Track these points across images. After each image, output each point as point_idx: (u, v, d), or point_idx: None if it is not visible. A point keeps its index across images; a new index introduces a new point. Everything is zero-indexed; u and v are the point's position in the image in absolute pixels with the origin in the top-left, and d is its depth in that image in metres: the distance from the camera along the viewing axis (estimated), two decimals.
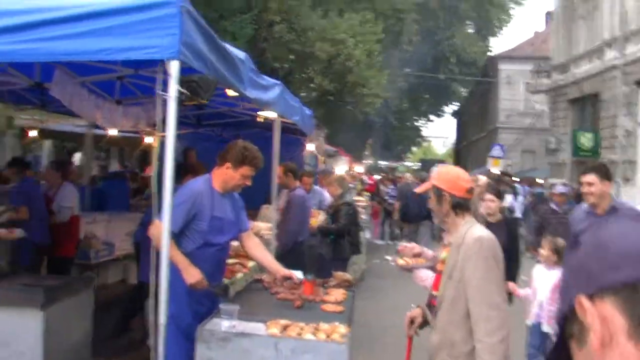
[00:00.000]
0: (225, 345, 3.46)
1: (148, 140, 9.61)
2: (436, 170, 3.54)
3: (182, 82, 3.60)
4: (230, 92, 5.25)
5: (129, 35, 3.39)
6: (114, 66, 5.38)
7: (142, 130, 7.31)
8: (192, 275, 4.01)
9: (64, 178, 7.95)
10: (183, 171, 6.01)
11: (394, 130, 46.26)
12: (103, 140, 12.79)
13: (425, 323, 3.60)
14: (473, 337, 3.09)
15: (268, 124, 7.30)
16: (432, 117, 52.46)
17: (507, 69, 38.45)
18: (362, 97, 21.74)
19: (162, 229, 3.63)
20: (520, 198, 18.98)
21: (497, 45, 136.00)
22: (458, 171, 3.53)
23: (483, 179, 10.27)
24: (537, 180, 25.21)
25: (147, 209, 5.71)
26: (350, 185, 13.41)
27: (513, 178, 23.50)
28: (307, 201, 8.15)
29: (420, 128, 54.91)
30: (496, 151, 23.86)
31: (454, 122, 62.65)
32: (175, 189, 3.72)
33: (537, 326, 5.76)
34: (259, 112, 6.84)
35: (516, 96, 38.20)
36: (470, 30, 41.49)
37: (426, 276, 3.87)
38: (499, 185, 13.69)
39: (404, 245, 4.21)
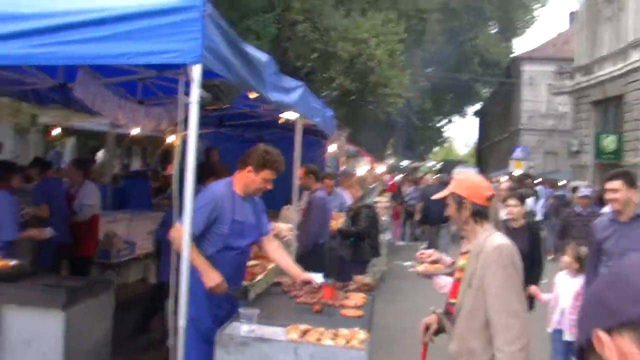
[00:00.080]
0: (244, 349, 3.46)
1: (170, 139, 9.65)
2: (455, 178, 3.52)
3: (204, 86, 3.61)
4: (252, 94, 5.26)
5: (150, 39, 3.40)
6: (136, 68, 5.40)
7: (164, 130, 7.34)
8: (212, 278, 4.02)
9: (86, 176, 8.03)
10: (205, 173, 6.02)
11: (416, 130, 46.02)
12: (125, 139, 12.89)
13: (440, 330, 3.59)
14: (492, 345, 3.07)
15: (290, 125, 7.29)
16: (454, 117, 52.25)
17: (529, 70, 38.00)
18: (384, 97, 21.60)
19: (182, 232, 3.64)
20: (541, 201, 18.78)
21: (520, 45, 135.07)
22: (478, 178, 3.52)
23: (505, 182, 10.21)
24: (559, 182, 24.99)
25: (168, 208, 5.73)
26: (372, 185, 13.35)
27: (535, 181, 23.29)
28: (328, 203, 8.12)
29: (443, 129, 54.70)
30: (518, 153, 23.71)
31: (476, 122, 62.37)
32: (197, 190, 3.73)
33: (557, 333, 5.70)
34: (280, 114, 6.83)
35: (538, 97, 37.70)
36: (494, 31, 41.15)
37: (445, 283, 3.85)
38: (520, 187, 13.62)
39: (422, 251, 4.20)
